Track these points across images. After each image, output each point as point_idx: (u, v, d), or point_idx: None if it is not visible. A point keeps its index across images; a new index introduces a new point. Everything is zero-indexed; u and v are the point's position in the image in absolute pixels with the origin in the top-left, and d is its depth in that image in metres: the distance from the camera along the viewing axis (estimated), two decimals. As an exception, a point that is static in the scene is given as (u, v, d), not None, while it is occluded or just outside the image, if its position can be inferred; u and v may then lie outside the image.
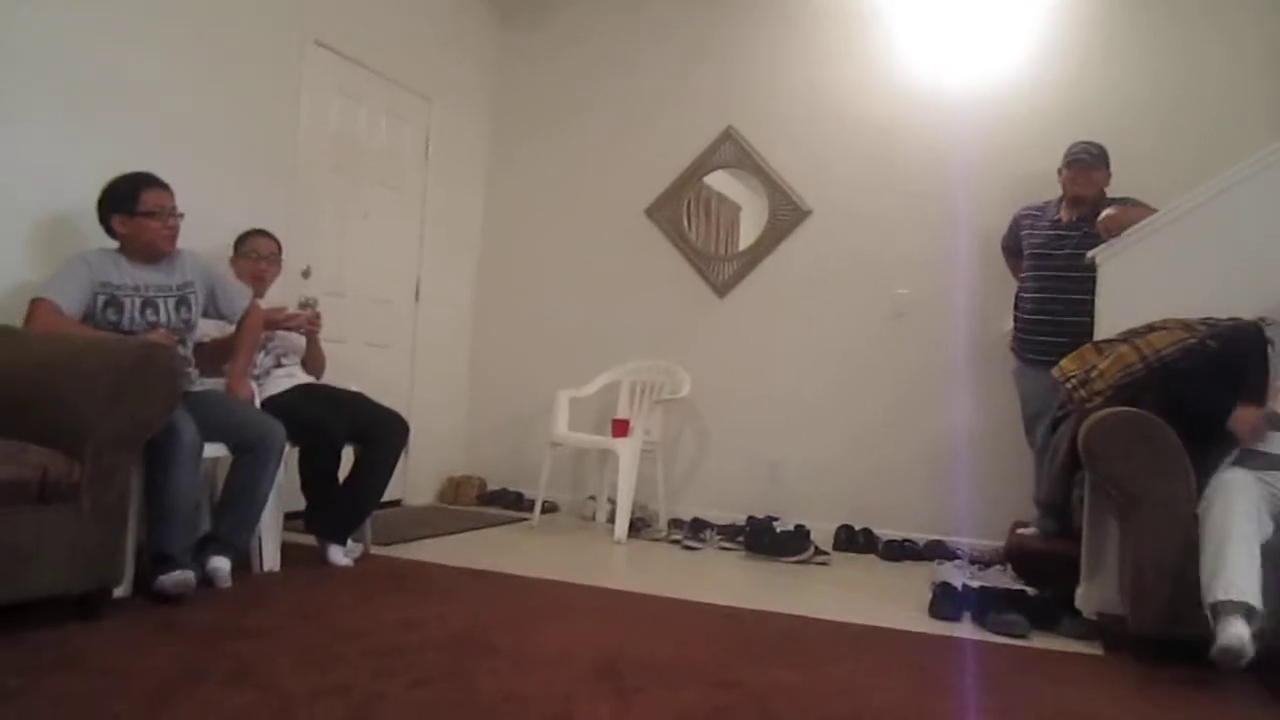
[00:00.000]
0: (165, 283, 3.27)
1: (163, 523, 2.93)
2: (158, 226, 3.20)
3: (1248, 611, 2.54)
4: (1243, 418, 2.98)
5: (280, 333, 3.82)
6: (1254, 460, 2.93)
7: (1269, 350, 3.06)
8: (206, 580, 3.03)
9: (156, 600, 2.84)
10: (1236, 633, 2.50)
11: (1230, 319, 3.18)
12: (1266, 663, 2.70)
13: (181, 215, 3.27)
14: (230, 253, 3.82)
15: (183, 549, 2.96)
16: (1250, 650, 2.49)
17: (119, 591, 2.79)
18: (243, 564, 3.33)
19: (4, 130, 3.21)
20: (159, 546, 2.91)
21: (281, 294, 4.02)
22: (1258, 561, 2.62)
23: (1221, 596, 2.57)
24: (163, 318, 3.23)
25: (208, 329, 3.54)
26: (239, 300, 3.50)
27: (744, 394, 5.23)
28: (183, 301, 3.30)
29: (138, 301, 3.19)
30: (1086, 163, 4.14)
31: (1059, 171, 4.24)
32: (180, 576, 2.86)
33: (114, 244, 3.23)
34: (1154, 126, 4.46)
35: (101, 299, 3.12)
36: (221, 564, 3.12)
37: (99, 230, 3.22)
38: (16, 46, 3.24)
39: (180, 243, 3.32)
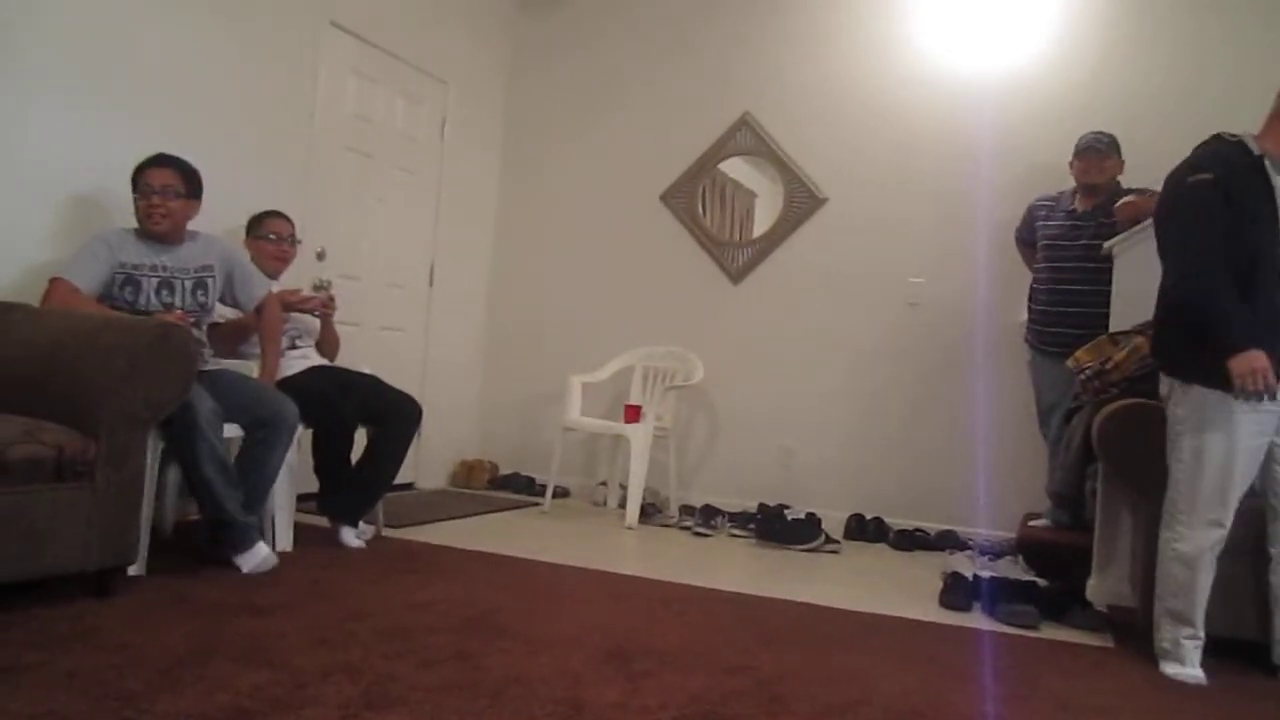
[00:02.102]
0: (183, 265, 3.28)
1: (210, 493, 3.01)
2: (144, 205, 3.19)
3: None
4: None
5: (295, 315, 3.83)
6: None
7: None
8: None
9: (177, 577, 2.87)
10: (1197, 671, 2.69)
11: None
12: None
13: (181, 195, 3.21)
14: (244, 234, 3.83)
15: (239, 507, 3.06)
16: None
17: (134, 570, 2.82)
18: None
19: (22, 111, 3.22)
20: (217, 515, 3.02)
21: (296, 276, 4.03)
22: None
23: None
24: (178, 299, 3.24)
25: (223, 310, 3.55)
26: (257, 290, 3.51)
27: (757, 381, 5.23)
28: (200, 284, 3.31)
29: (154, 282, 3.21)
30: (1099, 151, 4.10)
31: (1070, 164, 4.20)
32: (260, 559, 3.04)
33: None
34: (1168, 118, 4.37)
35: (120, 278, 3.15)
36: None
37: (117, 210, 3.24)
38: (35, 27, 3.25)
39: (195, 223, 3.33)
